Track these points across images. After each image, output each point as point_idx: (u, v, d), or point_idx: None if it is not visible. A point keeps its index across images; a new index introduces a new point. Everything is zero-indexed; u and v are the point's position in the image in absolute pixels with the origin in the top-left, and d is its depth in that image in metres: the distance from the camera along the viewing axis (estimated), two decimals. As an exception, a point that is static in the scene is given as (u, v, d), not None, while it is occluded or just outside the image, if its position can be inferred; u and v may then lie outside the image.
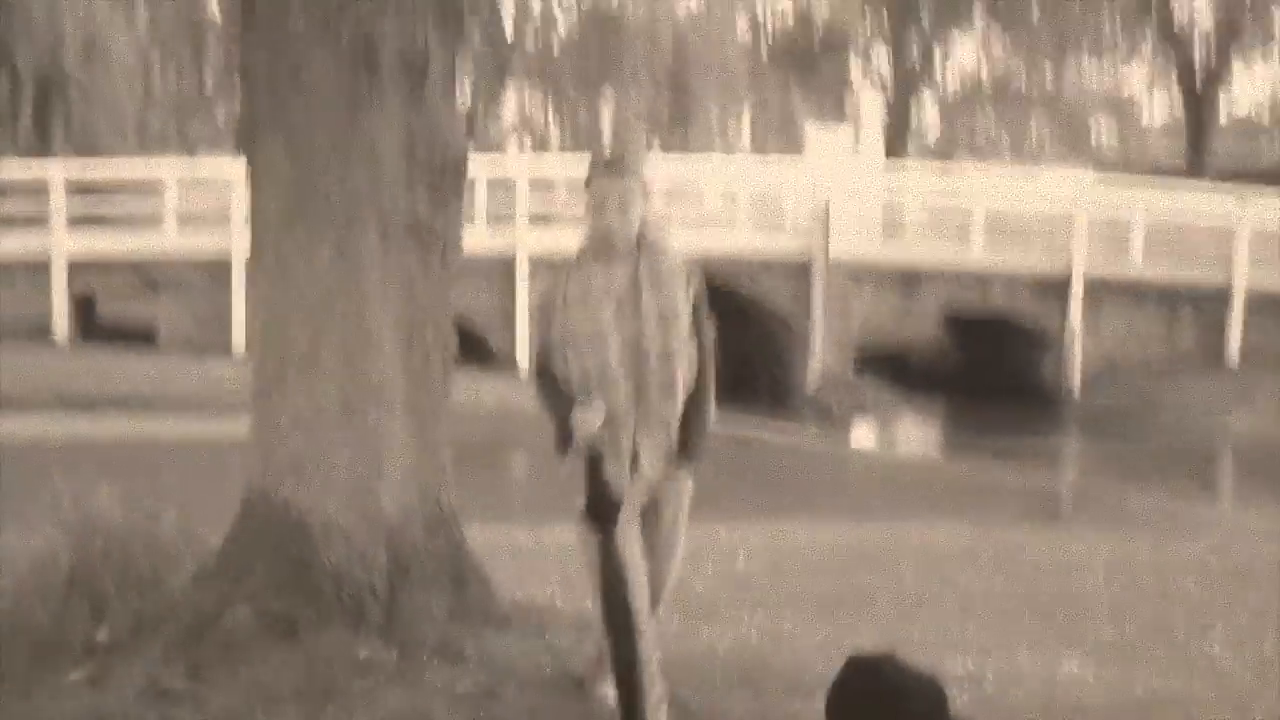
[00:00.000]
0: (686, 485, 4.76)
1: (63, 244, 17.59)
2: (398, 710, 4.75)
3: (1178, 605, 7.59)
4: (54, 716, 4.59)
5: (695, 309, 4.66)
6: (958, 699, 4.19)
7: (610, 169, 4.63)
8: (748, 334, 22.94)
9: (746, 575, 7.98)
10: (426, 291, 5.52)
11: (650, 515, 4.71)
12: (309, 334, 5.32)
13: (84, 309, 18.89)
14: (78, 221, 17.82)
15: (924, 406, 24.26)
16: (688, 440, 4.67)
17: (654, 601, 4.71)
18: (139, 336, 17.66)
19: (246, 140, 5.50)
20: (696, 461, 4.72)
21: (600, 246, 4.62)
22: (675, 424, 4.64)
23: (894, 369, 25.34)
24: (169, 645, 4.91)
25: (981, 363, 26.38)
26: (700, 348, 4.69)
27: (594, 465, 4.55)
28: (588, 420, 4.51)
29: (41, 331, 16.80)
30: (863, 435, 23.21)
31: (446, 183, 5.55)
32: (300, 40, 5.27)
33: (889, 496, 14.01)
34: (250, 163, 5.49)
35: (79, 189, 17.95)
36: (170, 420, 13.53)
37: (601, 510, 4.50)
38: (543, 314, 4.77)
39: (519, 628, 5.50)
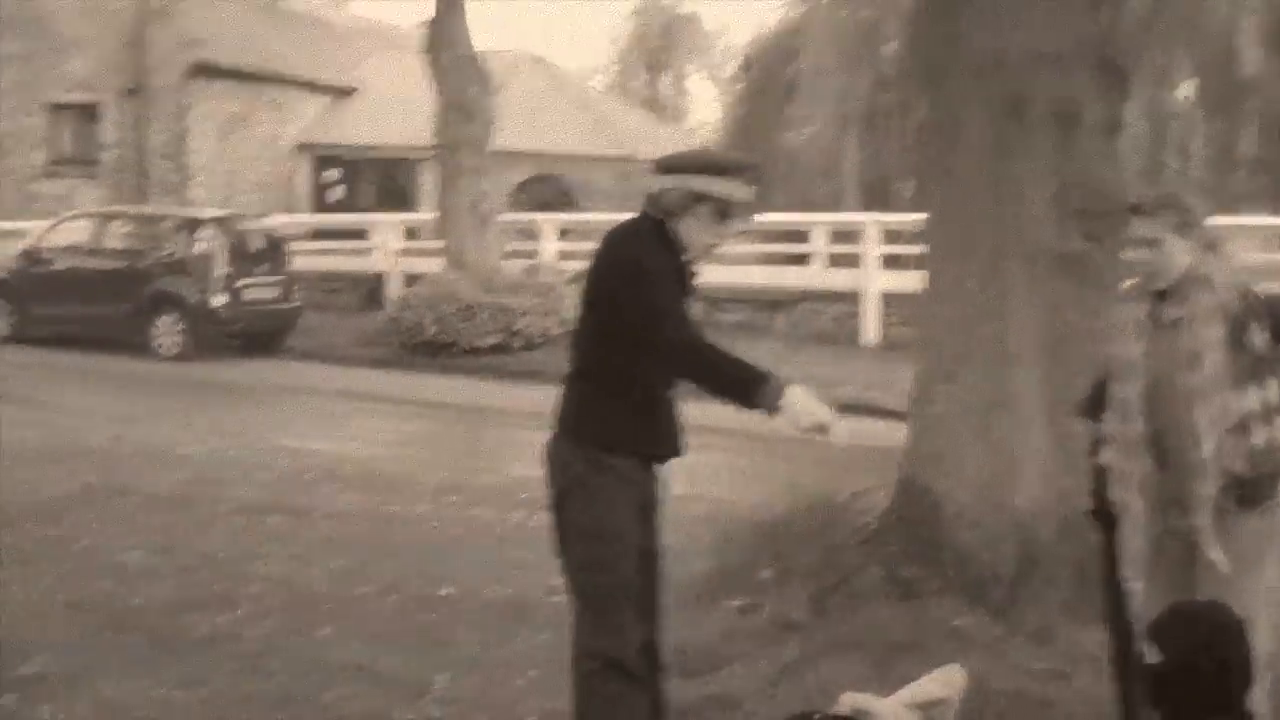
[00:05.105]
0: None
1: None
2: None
3: None
4: (718, 630, 6.02)
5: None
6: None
7: (1136, 208, 4.49)
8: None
9: None
10: (1076, 316, 6.17)
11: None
12: (954, 351, 6.24)
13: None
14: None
15: None
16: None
17: None
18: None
19: (920, 186, 6.55)
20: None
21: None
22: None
23: None
24: (810, 590, 6.13)
25: None
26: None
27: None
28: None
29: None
30: None
31: (1101, 221, 6.16)
32: (957, 95, 6.22)
33: None
34: (923, 205, 6.53)
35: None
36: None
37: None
38: None
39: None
